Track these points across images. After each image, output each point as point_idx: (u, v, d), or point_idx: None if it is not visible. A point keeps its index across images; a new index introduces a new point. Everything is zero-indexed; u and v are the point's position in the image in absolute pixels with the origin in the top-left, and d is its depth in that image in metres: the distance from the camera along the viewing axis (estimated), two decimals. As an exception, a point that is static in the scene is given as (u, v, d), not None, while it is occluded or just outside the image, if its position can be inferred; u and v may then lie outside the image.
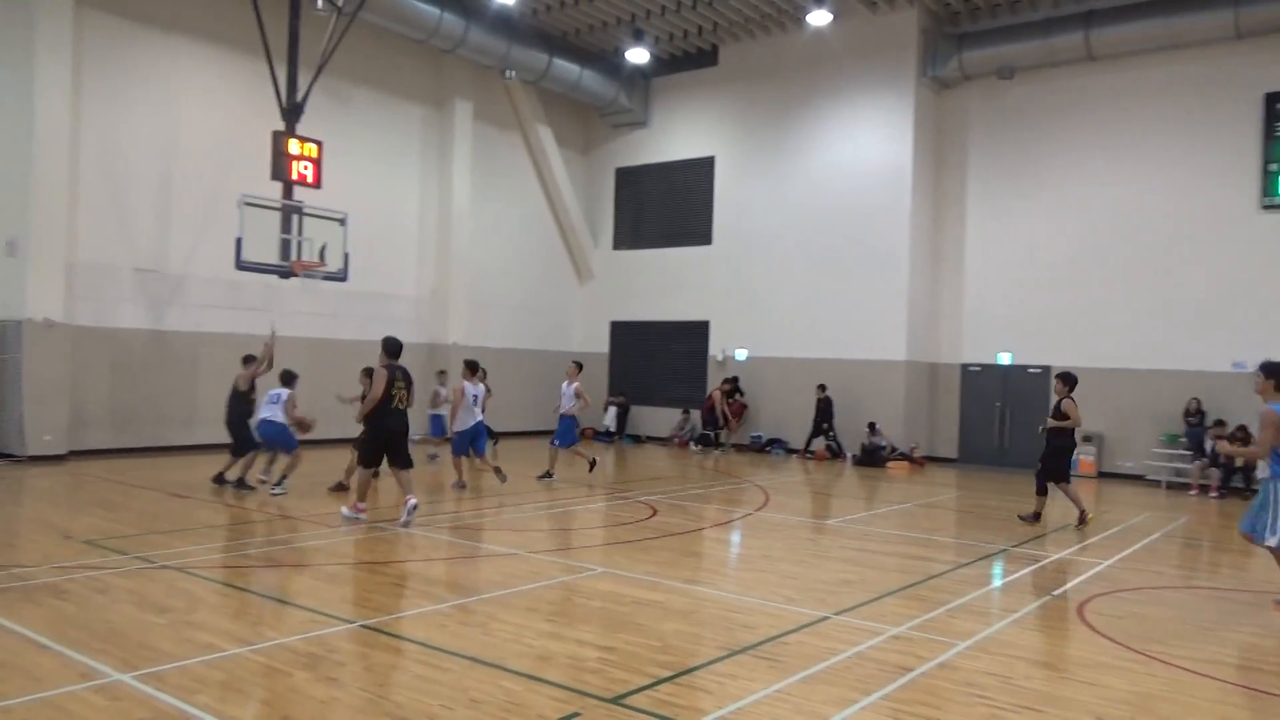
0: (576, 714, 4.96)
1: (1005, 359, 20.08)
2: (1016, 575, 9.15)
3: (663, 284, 24.29)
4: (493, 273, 23.18)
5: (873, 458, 19.72)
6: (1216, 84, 17.90)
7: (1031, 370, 19.68)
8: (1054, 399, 12.57)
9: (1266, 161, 17.35)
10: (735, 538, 11.21)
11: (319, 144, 15.92)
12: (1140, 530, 12.19)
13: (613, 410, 24.15)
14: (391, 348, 10.78)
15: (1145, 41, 18.13)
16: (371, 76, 20.35)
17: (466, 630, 6.47)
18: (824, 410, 20.72)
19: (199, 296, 17.33)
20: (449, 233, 21.76)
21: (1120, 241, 18.78)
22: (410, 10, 19.05)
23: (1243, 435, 16.27)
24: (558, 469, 15.20)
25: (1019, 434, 19.70)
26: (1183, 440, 17.51)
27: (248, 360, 13.04)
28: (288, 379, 12.80)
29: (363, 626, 6.48)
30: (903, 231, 20.35)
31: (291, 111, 16.07)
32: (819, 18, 19.94)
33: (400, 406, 10.57)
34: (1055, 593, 8.30)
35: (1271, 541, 7.90)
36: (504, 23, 20.86)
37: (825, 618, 7.12)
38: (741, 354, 22.86)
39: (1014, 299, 20.00)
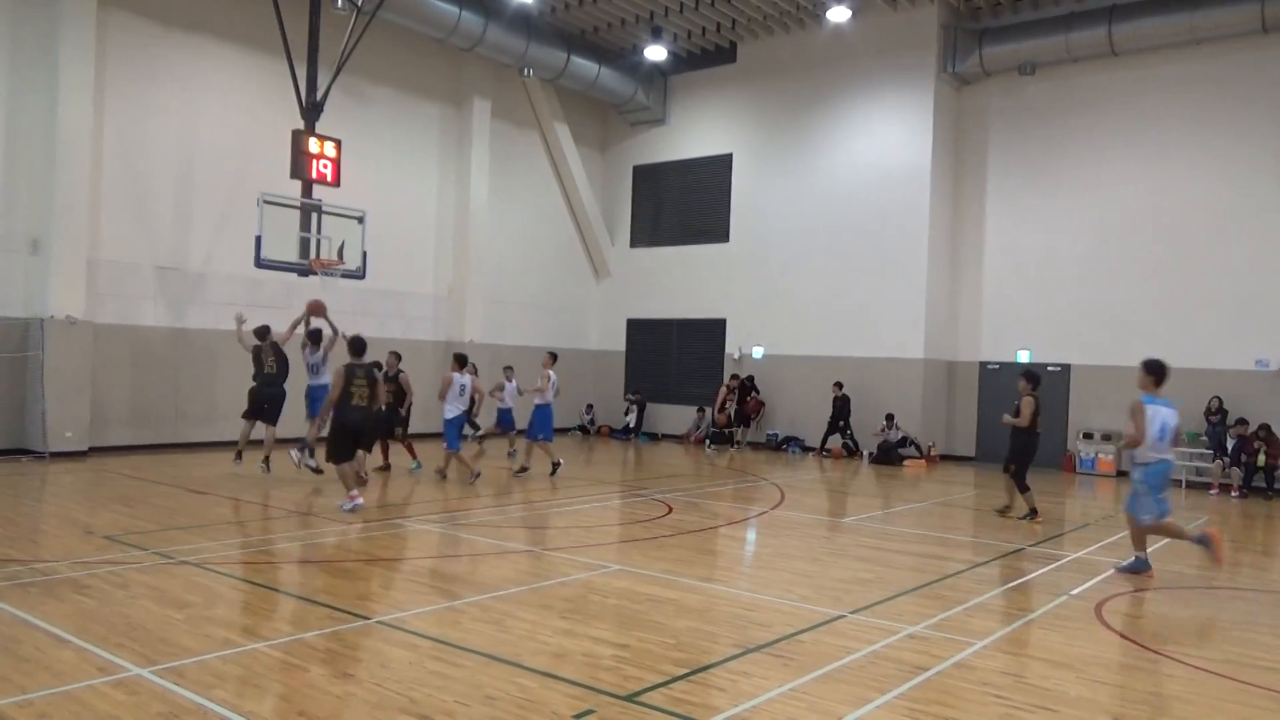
0: (591, 711, 4.96)
1: (1024, 357, 19.94)
2: (1034, 574, 9.09)
3: (680, 282, 24.27)
4: (510, 271, 23.23)
5: (889, 456, 19.65)
6: (1240, 79, 17.71)
7: (1051, 368, 19.54)
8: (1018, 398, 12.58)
9: (1291, 158, 17.18)
10: (750, 536, 11.19)
11: (338, 142, 16.01)
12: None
13: (631, 408, 24.18)
14: (354, 347, 11.44)
15: (1168, 36, 17.95)
16: (390, 75, 20.43)
17: (482, 627, 6.49)
18: (841, 408, 20.66)
19: (219, 294, 17.45)
20: (466, 231, 21.82)
21: (1141, 239, 18.62)
22: (429, 9, 19.11)
23: (1265, 434, 16.13)
24: (558, 457, 15.31)
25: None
26: (1204, 439, 17.35)
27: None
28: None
29: (379, 623, 6.51)
30: (921, 228, 20.25)
31: (311, 110, 16.15)
32: (839, 14, 19.89)
33: (360, 403, 11.12)
34: (1073, 592, 8.24)
35: (1147, 520, 9.05)
36: (522, 21, 20.89)
37: (841, 616, 7.10)
38: (758, 352, 22.82)
39: (1033, 296, 19.87)
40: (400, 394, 14.54)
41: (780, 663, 5.91)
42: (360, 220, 15.95)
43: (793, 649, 6.22)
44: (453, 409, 13.72)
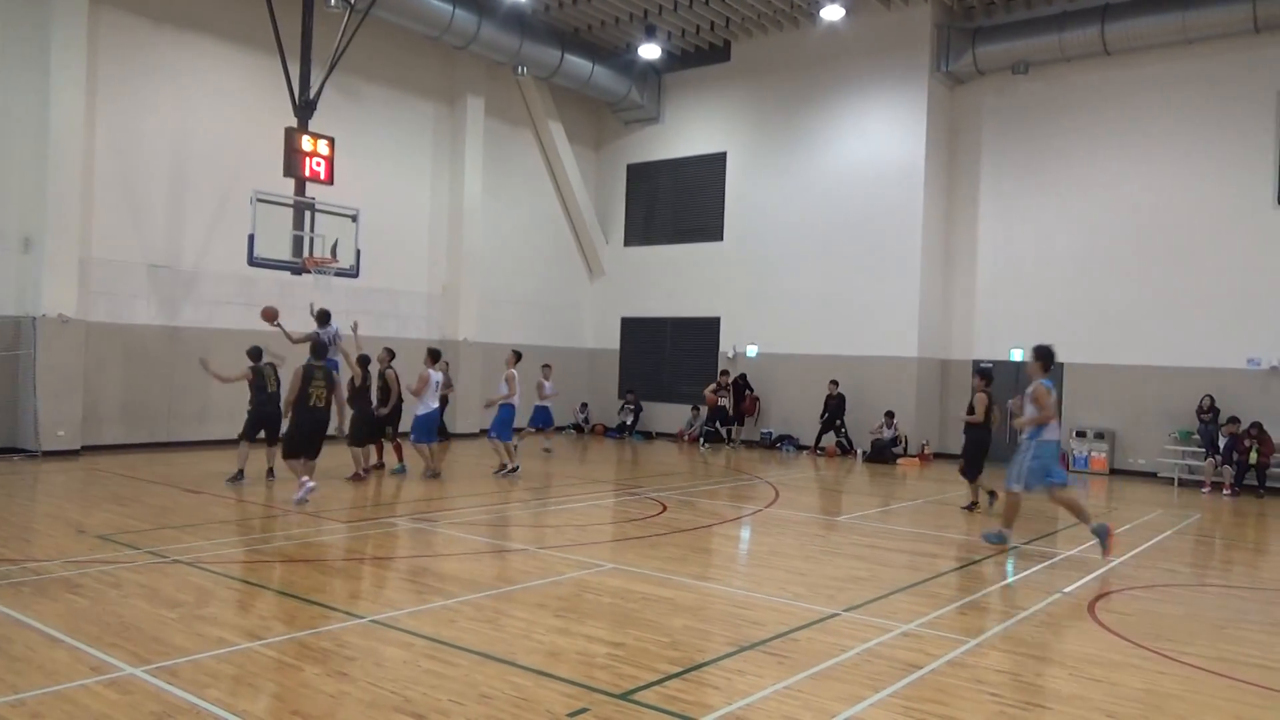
0: (586, 709, 4.96)
1: (1018, 355, 19.98)
2: (1027, 572, 9.11)
3: (674, 280, 24.28)
4: (504, 269, 23.21)
5: (883, 454, 19.69)
6: (1232, 79, 17.77)
7: (1044, 367, 19.58)
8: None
9: (1282, 157, 17.25)
10: (745, 534, 11.19)
11: (331, 140, 15.97)
12: (1152, 527, 12.13)
13: (627, 408, 24.20)
14: (315, 349, 11.75)
15: (1161, 36, 18.00)
16: (384, 73, 20.40)
17: (476, 626, 6.48)
18: (837, 407, 20.68)
19: (212, 293, 17.41)
20: (460, 229, 21.79)
21: (1134, 237, 18.67)
22: (423, 7, 19.07)
23: (1257, 432, 16.19)
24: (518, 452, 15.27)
25: (1031, 431, 19.67)
26: (1196, 437, 17.41)
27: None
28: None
29: (373, 621, 6.50)
30: (915, 227, 20.28)
31: (304, 108, 16.11)
32: (832, 13, 19.90)
33: (318, 404, 11.41)
34: (1066, 590, 8.26)
35: (1017, 487, 9.95)
36: (516, 19, 20.87)
37: (834, 614, 7.11)
38: (752, 350, 22.83)
39: (1027, 295, 19.91)
40: (385, 391, 14.39)
41: (774, 661, 5.92)
42: (354, 218, 15.93)
43: (787, 647, 6.23)
44: (426, 405, 13.91)
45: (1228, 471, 16.30)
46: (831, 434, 20.86)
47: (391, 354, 14.81)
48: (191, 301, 17.23)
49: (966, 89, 20.90)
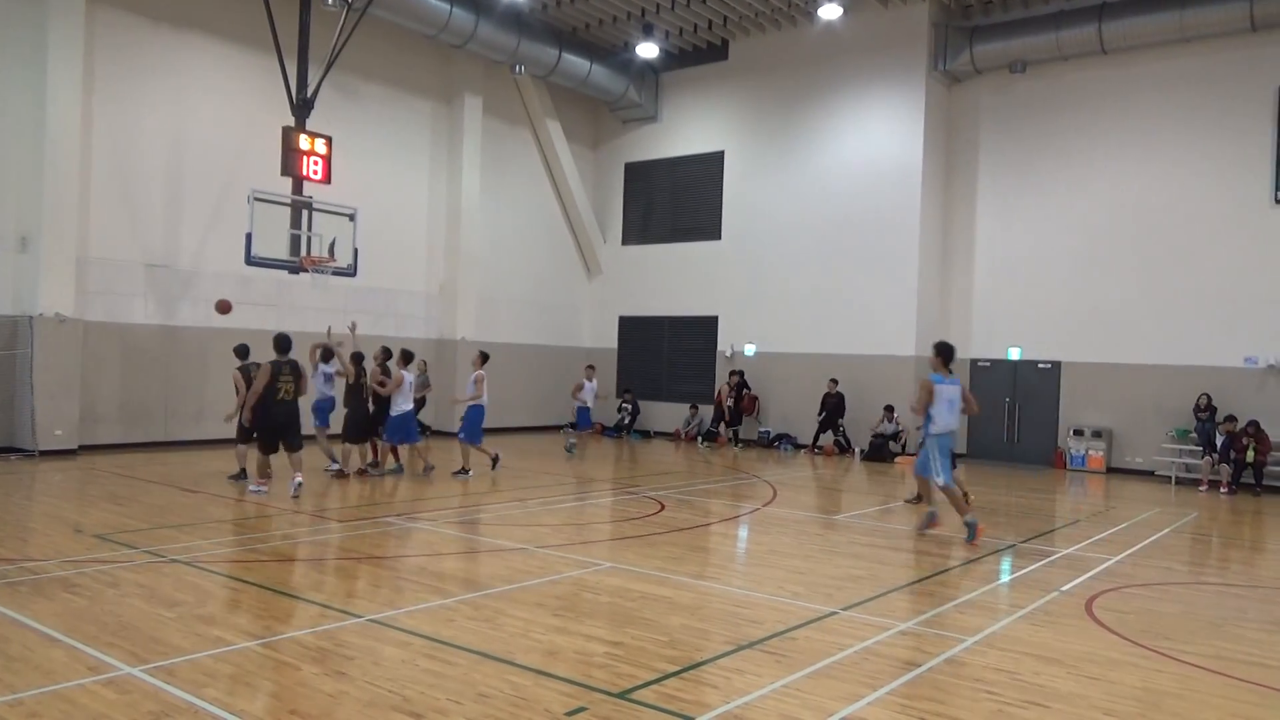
0: (584, 708, 4.97)
1: (1015, 354, 20.02)
2: (1025, 571, 9.12)
3: (672, 279, 24.27)
4: (501, 268, 23.20)
5: (881, 453, 19.70)
6: (1229, 78, 17.78)
7: (1041, 365, 19.62)
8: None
9: (1279, 156, 17.23)
10: (743, 533, 11.20)
11: (329, 139, 15.95)
12: (1149, 526, 12.15)
13: (624, 407, 24.18)
14: (279, 344, 11.76)
15: (1158, 34, 18.01)
16: (381, 72, 20.37)
17: (474, 625, 6.48)
18: (835, 406, 20.68)
19: (209, 292, 17.32)
20: (458, 228, 21.78)
21: (1131, 236, 18.68)
22: (420, 6, 19.04)
23: (1254, 431, 16.21)
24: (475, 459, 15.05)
25: (1028, 429, 19.70)
26: (1193, 436, 17.43)
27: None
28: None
29: (371, 621, 6.50)
30: (913, 225, 20.28)
31: (302, 107, 16.08)
32: (830, 11, 19.91)
33: (286, 398, 11.60)
34: (1064, 588, 8.27)
35: (940, 481, 10.25)
36: (513, 18, 20.85)
37: (832, 613, 7.12)
38: (750, 349, 22.83)
39: (1024, 293, 19.92)
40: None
41: (773, 659, 5.93)
42: (351, 217, 15.90)
43: (785, 646, 6.24)
44: (400, 406, 13.91)
45: (1225, 470, 16.32)
46: (829, 433, 20.86)
47: (387, 352, 14.78)
48: (189, 301, 17.21)
49: (964, 88, 20.91)
